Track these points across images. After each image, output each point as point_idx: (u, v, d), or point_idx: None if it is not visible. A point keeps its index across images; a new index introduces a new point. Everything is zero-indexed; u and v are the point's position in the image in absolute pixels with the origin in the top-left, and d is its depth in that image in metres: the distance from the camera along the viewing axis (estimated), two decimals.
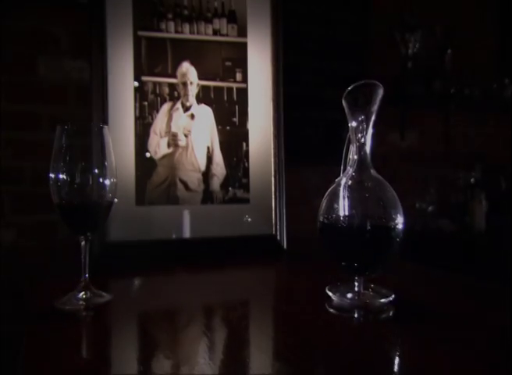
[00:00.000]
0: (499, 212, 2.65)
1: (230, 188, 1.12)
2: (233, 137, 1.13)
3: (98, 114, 1.02)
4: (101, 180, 0.71)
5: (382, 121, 2.35)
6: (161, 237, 1.06)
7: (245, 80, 1.13)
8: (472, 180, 2.74)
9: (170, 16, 1.08)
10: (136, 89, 1.06)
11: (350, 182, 0.70)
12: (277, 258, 1.13)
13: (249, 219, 1.13)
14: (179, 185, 1.08)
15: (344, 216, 0.68)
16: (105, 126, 0.73)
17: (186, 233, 1.08)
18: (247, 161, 1.13)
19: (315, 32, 2.47)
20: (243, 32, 1.13)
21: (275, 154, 1.15)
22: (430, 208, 2.70)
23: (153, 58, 1.07)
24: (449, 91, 2.65)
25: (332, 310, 0.68)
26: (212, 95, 1.11)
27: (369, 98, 0.69)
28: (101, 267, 0.95)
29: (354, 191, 0.69)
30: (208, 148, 1.11)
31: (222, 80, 1.12)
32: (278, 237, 1.14)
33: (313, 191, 2.52)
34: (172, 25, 1.08)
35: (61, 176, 0.68)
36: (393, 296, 0.68)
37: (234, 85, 1.13)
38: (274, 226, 1.14)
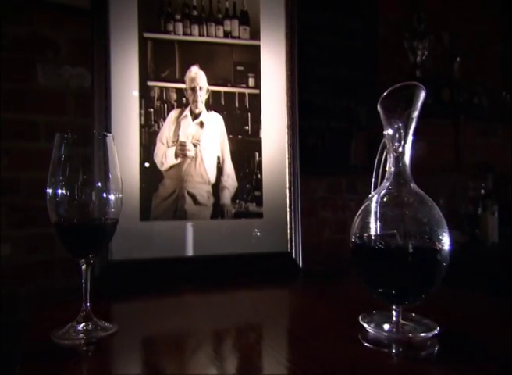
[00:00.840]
0: (510, 223, 2.57)
1: (242, 202, 1.04)
2: (245, 146, 1.05)
3: (100, 122, 0.94)
4: (104, 195, 0.63)
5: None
6: (167, 255, 0.97)
7: (258, 85, 1.05)
8: (482, 191, 2.66)
9: (178, 16, 1.01)
10: (141, 95, 0.98)
11: (385, 198, 0.62)
12: (292, 278, 1.04)
13: (262, 235, 1.04)
14: (188, 198, 1.00)
15: (381, 236, 0.59)
16: (109, 135, 0.65)
17: (195, 251, 1.00)
18: (260, 172, 1.05)
19: (321, 39, 2.40)
20: (255, 34, 1.06)
21: (289, 164, 1.07)
22: None
23: (160, 62, 1.00)
24: (459, 100, 2.58)
25: (367, 344, 0.59)
26: (223, 102, 1.03)
27: (409, 102, 0.61)
28: (102, 289, 0.87)
29: (392, 207, 0.61)
30: (219, 158, 1.03)
31: (233, 85, 1.04)
32: (293, 255, 1.05)
33: (320, 203, 2.45)
34: (180, 26, 1.01)
35: (59, 191, 0.60)
36: (438, 328, 0.60)
37: (246, 91, 1.05)
38: (289, 242, 1.05)
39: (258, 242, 1.04)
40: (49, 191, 0.60)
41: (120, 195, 0.64)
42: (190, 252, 0.99)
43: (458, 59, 2.60)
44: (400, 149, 0.62)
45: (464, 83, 2.61)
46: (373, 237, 0.60)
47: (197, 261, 0.99)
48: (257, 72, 1.06)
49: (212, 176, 1.02)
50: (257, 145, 1.05)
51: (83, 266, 0.62)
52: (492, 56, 2.83)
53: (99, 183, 0.63)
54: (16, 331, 1.54)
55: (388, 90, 0.61)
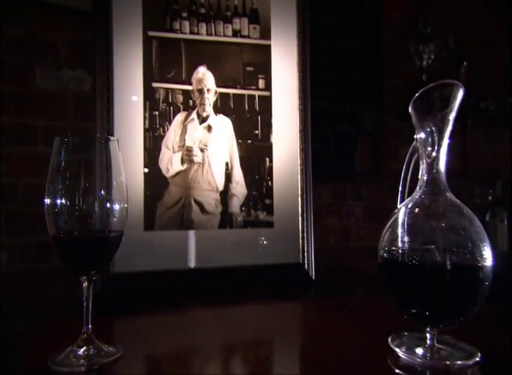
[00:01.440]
0: None
1: (251, 210, 0.98)
2: (255, 151, 0.99)
3: (102, 126, 0.88)
4: (108, 205, 0.57)
5: (395, 136, 2.21)
6: (172, 267, 0.92)
7: (268, 87, 1.00)
8: (490, 197, 2.61)
9: (185, 14, 0.95)
10: (145, 97, 0.92)
11: (418, 209, 0.56)
12: (305, 291, 0.98)
13: (272, 246, 0.98)
14: (194, 207, 0.94)
15: (415, 251, 0.54)
16: (114, 138, 0.59)
17: (202, 263, 0.94)
18: (271, 179, 0.99)
19: (325, 42, 2.35)
20: (266, 33, 1.00)
21: (301, 171, 1.01)
22: None
23: (165, 62, 0.94)
24: (465, 105, 2.52)
25: (398, 371, 0.53)
26: (232, 104, 0.98)
27: (445, 102, 0.55)
28: (103, 304, 0.81)
29: (426, 219, 0.55)
30: (227, 164, 0.97)
31: (242, 87, 0.98)
32: (305, 266, 0.99)
33: (325, 210, 2.39)
34: (186, 24, 0.95)
35: (59, 200, 0.54)
36: (480, 355, 0.54)
37: (256, 93, 0.99)
38: (301, 253, 1.00)
39: (268, 253, 0.98)
40: (47, 200, 0.54)
41: (125, 205, 0.58)
42: (196, 264, 0.93)
43: (465, 64, 2.55)
44: (434, 154, 0.57)
45: (471, 87, 2.56)
46: (405, 252, 0.54)
47: (205, 273, 0.93)
48: (268, 73, 1.00)
49: (220, 183, 0.96)
50: (268, 150, 1.00)
51: (85, 284, 0.56)
52: (499, 61, 2.79)
53: (102, 192, 0.57)
54: (14, 344, 1.48)
55: (422, 90, 0.56)
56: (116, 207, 0.57)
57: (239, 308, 0.85)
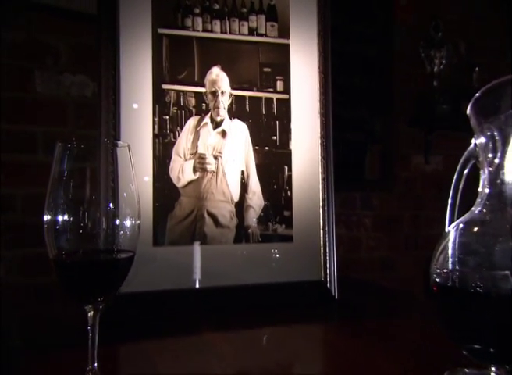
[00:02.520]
0: None
1: (269, 223, 0.90)
2: (273, 159, 0.91)
3: (108, 131, 0.80)
4: (117, 221, 0.49)
5: (405, 143, 2.13)
6: (184, 285, 0.84)
7: (287, 89, 0.92)
8: None
9: (197, 10, 0.88)
10: (155, 100, 0.85)
11: (478, 227, 0.49)
12: (327, 311, 0.90)
13: (292, 262, 0.90)
14: (208, 219, 0.86)
15: (480, 277, 0.45)
16: (124, 144, 0.51)
17: (216, 281, 0.86)
18: (290, 189, 0.91)
19: (334, 46, 2.28)
20: (284, 32, 0.93)
21: (323, 180, 0.93)
22: None
23: (176, 62, 0.87)
24: None
25: None
26: (248, 108, 0.90)
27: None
28: (108, 327, 0.72)
29: (491, 238, 0.47)
30: (243, 173, 0.89)
31: (259, 89, 0.91)
32: (328, 284, 0.91)
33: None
34: (199, 21, 0.88)
35: (60, 216, 0.46)
36: None
37: (274, 96, 0.92)
38: (322, 270, 0.91)
39: (287, 269, 0.90)
40: (47, 216, 0.46)
41: (137, 221, 0.50)
42: (209, 282, 0.85)
43: (477, 69, 2.48)
44: (497, 161, 0.49)
45: None
46: (467, 278, 0.46)
47: (218, 292, 0.85)
48: (287, 74, 0.92)
49: (235, 193, 0.89)
50: (287, 158, 0.92)
51: (90, 313, 0.48)
52: (509, 66, 2.72)
53: (111, 205, 0.49)
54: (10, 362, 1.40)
55: (484, 88, 0.48)
56: (127, 223, 0.49)
57: (255, 332, 0.78)
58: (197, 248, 0.86)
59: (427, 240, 2.51)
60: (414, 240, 2.51)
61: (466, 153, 0.54)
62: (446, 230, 0.54)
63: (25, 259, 1.62)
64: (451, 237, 0.50)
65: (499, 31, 2.60)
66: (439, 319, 0.50)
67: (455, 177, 0.55)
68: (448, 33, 2.44)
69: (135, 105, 0.83)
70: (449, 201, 0.56)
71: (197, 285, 0.84)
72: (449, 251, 0.49)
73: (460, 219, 0.51)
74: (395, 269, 2.47)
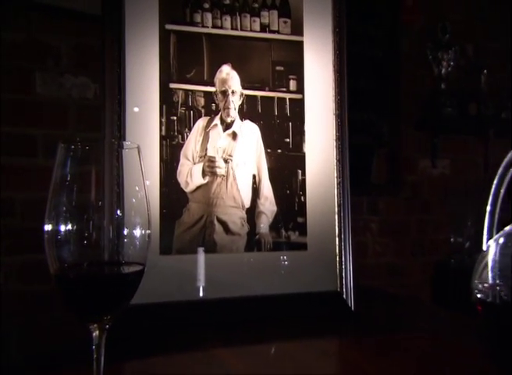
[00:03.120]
0: None
1: (282, 230, 0.85)
2: (286, 162, 0.86)
3: (112, 133, 0.76)
4: (126, 231, 0.44)
5: (412, 147, 2.08)
6: (192, 297, 0.79)
7: (301, 89, 0.88)
8: None
9: (207, 5, 0.83)
10: (162, 100, 0.80)
11: None
12: (344, 324, 0.85)
13: (306, 271, 0.85)
14: (217, 226, 0.81)
15: None
16: (134, 145, 0.46)
17: (226, 292, 0.81)
18: (304, 194, 0.87)
19: None
20: (298, 28, 0.88)
21: (338, 184, 0.88)
22: (467, 244, 2.42)
23: (185, 60, 0.82)
24: (486, 115, 2.40)
25: None
26: (259, 108, 0.85)
27: None
28: (113, 343, 0.67)
29: None
30: (254, 177, 0.85)
31: (271, 89, 0.86)
32: (344, 295, 0.86)
33: None
34: (209, 17, 0.83)
35: (63, 226, 0.41)
36: None
37: (287, 96, 0.87)
38: (338, 279, 0.86)
39: (302, 279, 0.85)
40: (48, 226, 0.41)
41: (147, 231, 0.45)
42: (219, 293, 0.80)
43: (485, 72, 2.44)
44: None
45: (492, 96, 2.44)
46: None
47: (229, 304, 0.80)
48: (300, 73, 0.88)
49: (247, 198, 0.84)
50: (300, 161, 0.87)
51: (95, 333, 0.43)
52: None
53: (118, 213, 0.44)
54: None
55: None
56: (137, 233, 0.44)
57: (267, 346, 0.73)
58: (204, 256, 0.81)
59: (434, 245, 2.46)
60: (420, 245, 2.47)
61: (507, 159, 0.49)
62: (485, 244, 0.49)
63: (24, 266, 1.57)
64: (491, 252, 0.45)
65: (506, 33, 2.56)
66: (490, 338, 0.45)
67: (495, 183, 0.51)
68: (455, 35, 2.40)
69: (136, 109, 0.78)
70: (488, 208, 0.51)
71: (206, 296, 0.79)
72: (491, 267, 0.44)
73: (500, 234, 0.47)
74: (402, 275, 2.42)
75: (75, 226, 0.41)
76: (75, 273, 0.42)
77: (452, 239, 2.42)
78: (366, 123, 2.29)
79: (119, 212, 0.45)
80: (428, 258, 2.44)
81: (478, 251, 1.96)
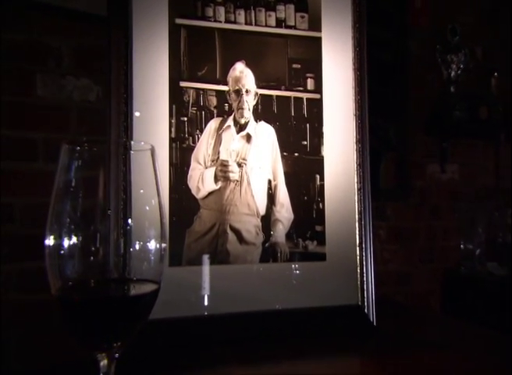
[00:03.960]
0: None
1: (299, 239, 0.80)
2: (303, 167, 0.81)
3: (118, 135, 0.70)
4: (138, 245, 0.38)
5: (420, 151, 2.03)
6: (204, 312, 0.73)
7: (319, 88, 0.82)
8: None
9: None
10: (172, 99, 0.74)
11: None
12: (365, 340, 0.79)
13: (325, 284, 0.80)
14: (231, 235, 0.76)
15: None
16: (147, 146, 0.41)
17: (240, 306, 0.75)
18: (322, 200, 0.81)
19: None
20: (316, 23, 0.83)
21: (359, 190, 0.83)
22: (478, 251, 2.36)
23: (196, 57, 0.77)
24: (497, 119, 2.35)
25: None
26: (275, 109, 0.80)
27: None
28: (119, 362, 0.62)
29: None
30: (270, 182, 0.79)
31: (288, 88, 0.81)
32: (365, 309, 0.80)
33: None
34: (222, 11, 0.78)
35: (66, 239, 0.35)
36: None
37: (304, 95, 0.82)
38: (359, 292, 0.81)
39: (320, 292, 0.79)
40: (49, 241, 0.35)
41: (163, 244, 0.39)
42: (233, 308, 0.74)
43: (496, 74, 2.38)
44: None
45: (502, 100, 2.39)
46: None
47: (243, 319, 0.75)
48: (318, 71, 0.82)
49: (262, 205, 0.78)
50: (318, 165, 0.81)
51: (103, 362, 0.37)
52: None
53: (130, 223, 0.39)
54: None
55: None
56: (151, 246, 0.39)
57: (285, 365, 0.68)
58: (218, 268, 0.75)
59: (443, 252, 2.41)
60: (429, 252, 2.41)
61: None
62: None
63: (24, 274, 1.52)
64: None
65: None
66: None
67: None
68: (463, 38, 2.36)
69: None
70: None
71: (219, 311, 0.74)
72: None
73: None
74: (410, 283, 2.36)
75: (80, 240, 0.36)
76: (80, 293, 0.36)
77: (462, 246, 2.37)
78: (373, 127, 2.23)
79: (130, 221, 0.39)
80: (438, 266, 2.39)
81: (489, 259, 1.90)
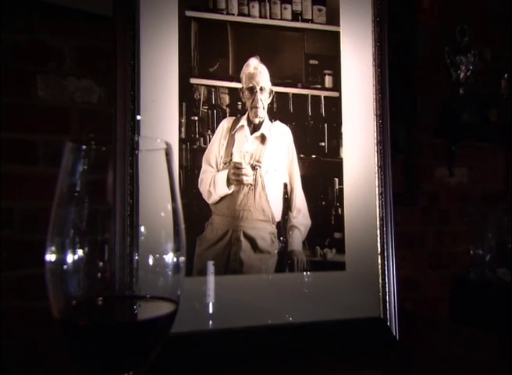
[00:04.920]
0: None
1: (317, 247, 0.74)
2: (321, 170, 0.76)
3: (124, 134, 0.65)
4: (151, 258, 0.33)
5: (428, 155, 1.98)
6: (216, 326, 0.68)
7: (337, 86, 0.77)
8: None
9: None
10: (181, 97, 0.69)
11: None
12: (388, 355, 0.74)
13: (344, 295, 0.75)
14: (244, 243, 0.71)
15: None
16: (162, 144, 0.35)
17: (255, 319, 0.70)
18: (341, 205, 0.76)
19: None
20: (334, 17, 0.78)
21: (380, 194, 0.78)
22: (488, 256, 2.30)
23: (207, 52, 0.72)
24: (507, 121, 2.30)
25: None
26: (291, 108, 0.75)
27: None
28: None
29: None
30: (286, 186, 0.74)
31: (305, 85, 0.76)
32: (387, 322, 0.75)
33: None
34: (234, 4, 0.73)
35: (70, 253, 0.30)
36: None
37: (322, 93, 0.77)
38: (381, 304, 0.75)
39: (339, 304, 0.74)
40: (50, 255, 0.30)
41: (181, 257, 0.34)
42: (246, 321, 0.69)
43: (506, 76, 2.34)
44: None
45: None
46: None
47: (258, 333, 0.69)
48: (337, 68, 0.77)
49: (277, 211, 0.73)
50: (337, 168, 0.76)
51: None
52: None
53: (142, 230, 0.34)
54: None
55: None
56: (168, 259, 0.33)
57: None
58: (232, 278, 0.70)
59: (452, 258, 2.36)
60: (438, 258, 2.36)
61: None
62: None
63: (23, 281, 1.47)
64: None
65: None
66: None
67: None
68: (472, 39, 2.31)
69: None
70: None
71: (232, 325, 0.68)
72: None
73: None
74: (419, 290, 2.31)
75: (86, 253, 0.31)
76: (86, 316, 0.31)
77: (471, 251, 2.32)
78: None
79: (143, 229, 0.34)
80: (446, 272, 2.34)
81: (499, 264, 1.84)
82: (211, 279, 0.69)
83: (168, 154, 0.36)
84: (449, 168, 2.39)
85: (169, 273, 0.33)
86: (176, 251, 0.34)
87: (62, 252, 0.30)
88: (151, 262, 0.34)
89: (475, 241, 2.32)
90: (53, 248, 0.30)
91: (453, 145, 2.35)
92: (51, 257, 0.30)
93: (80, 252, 0.31)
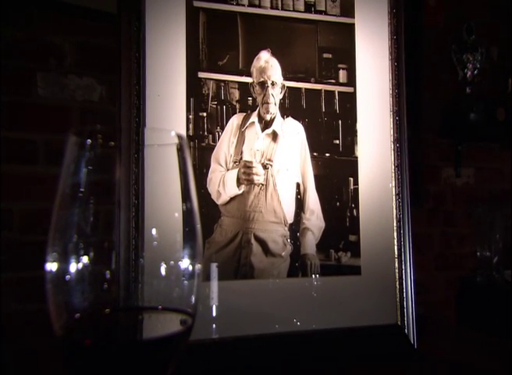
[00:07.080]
0: None
1: (331, 250, 0.71)
2: (335, 169, 0.72)
3: (129, 130, 0.61)
4: (163, 266, 0.29)
5: (434, 155, 1.94)
6: (226, 333, 0.64)
7: (352, 81, 0.74)
8: None
9: None
10: (189, 92, 0.66)
11: None
12: (406, 365, 0.70)
13: (360, 301, 0.71)
14: (255, 246, 0.67)
15: None
16: (174, 138, 0.32)
17: (266, 327, 0.66)
18: (356, 207, 0.72)
19: None
20: (348, 9, 0.74)
21: (397, 195, 0.74)
22: (496, 259, 2.27)
23: (216, 44, 0.68)
24: None
25: None
26: (304, 104, 0.71)
27: None
28: None
29: None
30: (299, 186, 0.70)
31: (318, 80, 0.72)
32: (405, 330, 0.71)
33: None
34: None
35: (74, 262, 0.26)
36: None
37: (336, 88, 0.73)
38: (399, 310, 0.72)
39: (355, 311, 0.71)
40: (51, 264, 0.26)
41: (198, 265, 0.30)
42: (258, 329, 0.65)
43: None
44: None
45: None
46: None
47: (269, 341, 0.66)
48: (351, 62, 0.74)
49: (290, 212, 0.69)
50: (352, 167, 0.73)
51: None
52: None
53: (154, 234, 0.30)
54: None
55: None
56: (183, 266, 0.30)
57: None
58: (242, 283, 0.66)
59: (459, 259, 2.32)
60: (444, 259, 2.32)
61: None
62: None
63: (22, 284, 1.43)
64: None
65: None
66: None
67: None
68: (479, 37, 2.28)
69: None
70: None
71: (243, 333, 0.65)
72: None
73: None
74: (424, 292, 2.27)
75: (90, 264, 0.27)
76: (92, 333, 0.27)
77: (478, 253, 2.29)
78: None
79: (154, 232, 0.31)
80: (453, 274, 2.31)
81: (506, 266, 1.80)
82: (214, 283, 0.65)
83: (182, 147, 0.32)
84: (456, 168, 2.35)
85: (184, 283, 0.30)
86: (193, 258, 0.30)
87: (64, 260, 0.27)
88: (163, 269, 0.30)
89: (482, 243, 2.29)
90: (54, 257, 0.27)
91: (460, 145, 2.32)
92: (52, 266, 0.27)
93: (84, 260, 0.27)
